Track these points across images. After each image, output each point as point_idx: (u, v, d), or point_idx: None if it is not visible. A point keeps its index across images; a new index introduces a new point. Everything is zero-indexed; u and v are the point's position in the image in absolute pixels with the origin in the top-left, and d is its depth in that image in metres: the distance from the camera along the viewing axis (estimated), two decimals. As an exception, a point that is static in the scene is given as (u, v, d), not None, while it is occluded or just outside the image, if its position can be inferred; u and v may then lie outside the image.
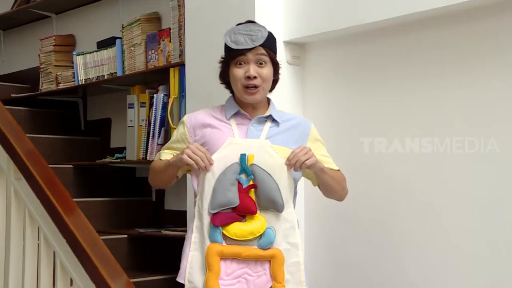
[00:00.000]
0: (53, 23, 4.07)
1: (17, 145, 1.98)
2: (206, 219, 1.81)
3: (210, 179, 1.82)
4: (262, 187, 1.80)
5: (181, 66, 2.83)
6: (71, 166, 3.36)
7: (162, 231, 2.95)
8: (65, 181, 2.91)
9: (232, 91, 1.94)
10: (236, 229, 1.79)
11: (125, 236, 3.03)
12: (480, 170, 2.11)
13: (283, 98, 2.48)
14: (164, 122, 2.95)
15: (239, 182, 1.80)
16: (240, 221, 1.80)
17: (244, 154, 1.81)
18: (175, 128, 2.84)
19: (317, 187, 2.00)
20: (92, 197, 3.22)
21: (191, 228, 1.88)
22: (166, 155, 1.96)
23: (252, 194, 1.81)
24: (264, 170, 1.81)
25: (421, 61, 2.28)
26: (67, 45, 3.83)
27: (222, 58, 1.92)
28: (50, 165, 2.01)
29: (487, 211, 2.10)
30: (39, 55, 3.83)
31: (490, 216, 2.09)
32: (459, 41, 2.18)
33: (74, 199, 1.93)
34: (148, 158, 2.99)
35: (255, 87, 1.85)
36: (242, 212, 1.80)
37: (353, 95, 2.46)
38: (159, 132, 2.96)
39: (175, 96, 2.86)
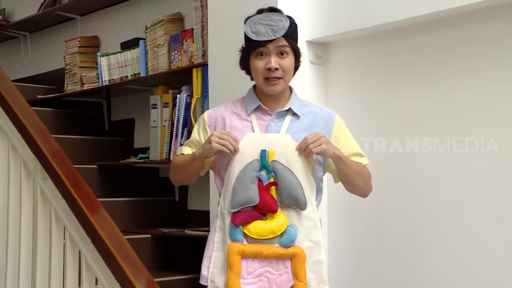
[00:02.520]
0: (78, 25, 4.12)
1: (43, 145, 2.01)
2: (227, 219, 1.80)
3: (230, 178, 1.81)
4: (284, 184, 1.78)
5: (204, 66, 2.84)
6: (96, 166, 3.40)
7: (185, 231, 2.96)
8: (90, 181, 2.93)
9: (253, 78, 1.91)
10: (257, 227, 1.77)
11: (149, 236, 3.05)
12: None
13: (306, 98, 2.46)
14: (187, 122, 2.96)
15: (259, 179, 1.78)
16: (261, 219, 1.78)
17: (265, 151, 1.78)
18: (197, 128, 2.87)
19: (339, 183, 1.95)
20: (116, 197, 3.25)
21: (214, 229, 1.87)
22: (187, 150, 1.93)
23: (272, 191, 1.78)
24: (286, 167, 1.78)
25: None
26: (92, 46, 3.87)
27: (242, 46, 1.88)
28: (75, 165, 2.03)
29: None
30: (64, 56, 3.89)
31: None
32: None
33: (99, 199, 1.95)
34: (171, 158, 3.00)
35: (277, 78, 1.82)
36: (263, 211, 1.78)
37: (374, 94, 2.45)
38: (182, 132, 2.97)
39: (198, 96, 2.87)
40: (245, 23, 1.86)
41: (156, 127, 3.12)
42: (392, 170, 2.34)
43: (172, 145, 3.01)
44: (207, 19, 2.79)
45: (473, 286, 2.12)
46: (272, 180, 1.78)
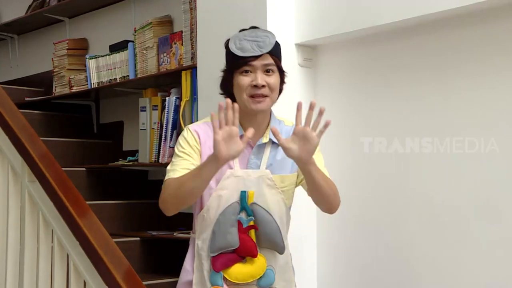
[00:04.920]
0: (66, 27, 4.10)
1: (31, 148, 2.00)
2: (206, 262, 1.76)
3: (210, 220, 1.75)
4: (263, 228, 1.75)
5: (193, 69, 2.84)
6: (84, 169, 3.38)
7: (174, 234, 2.96)
8: (78, 184, 2.92)
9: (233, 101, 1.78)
10: (237, 272, 1.74)
11: (138, 238, 3.04)
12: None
13: (294, 100, 2.46)
14: (176, 124, 2.96)
15: (239, 222, 1.74)
16: (241, 262, 1.75)
17: (245, 192, 1.73)
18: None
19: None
20: (105, 199, 3.23)
21: (191, 264, 1.81)
22: (182, 171, 1.72)
23: (252, 234, 1.76)
24: (265, 210, 1.75)
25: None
26: (80, 48, 3.86)
27: (225, 67, 1.79)
28: (63, 168, 2.02)
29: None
30: (52, 59, 3.86)
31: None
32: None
33: (87, 202, 1.94)
34: (160, 160, 2.99)
35: (263, 96, 1.73)
36: (243, 254, 1.75)
37: (363, 97, 2.46)
38: (171, 135, 2.97)
39: (187, 99, 2.87)
40: (226, 45, 1.78)
41: (145, 129, 3.11)
42: (391, 170, 2.34)
43: (161, 147, 3.00)
44: (196, 21, 2.79)
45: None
46: (251, 223, 1.75)
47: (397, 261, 2.32)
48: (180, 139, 1.80)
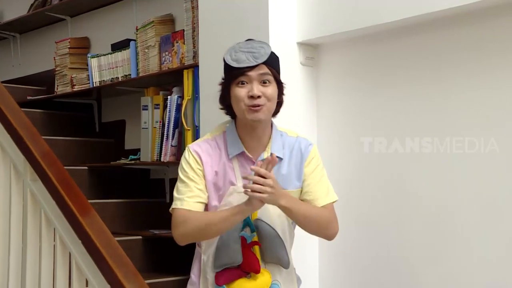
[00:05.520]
0: (68, 26, 4.11)
1: (33, 147, 2.00)
2: (210, 276, 1.77)
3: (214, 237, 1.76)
4: (267, 244, 1.76)
5: (194, 67, 2.84)
6: (86, 167, 3.39)
7: (176, 232, 2.96)
8: (80, 183, 2.93)
9: (232, 117, 1.82)
10: (241, 287, 1.75)
11: (140, 237, 3.04)
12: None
13: (296, 99, 2.48)
14: (178, 123, 2.96)
15: (243, 238, 1.75)
16: (245, 277, 1.76)
17: None
18: (189, 130, 2.87)
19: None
20: (106, 198, 3.24)
21: (197, 276, 1.82)
22: (192, 203, 1.75)
23: (256, 250, 1.76)
24: (269, 225, 1.75)
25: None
26: (82, 47, 3.86)
27: (222, 79, 1.80)
28: (65, 167, 2.03)
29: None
30: (54, 57, 3.87)
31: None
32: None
33: (89, 201, 1.94)
34: (162, 159, 3.00)
35: (259, 105, 1.72)
36: (246, 270, 1.76)
37: (364, 96, 2.46)
38: (173, 134, 2.97)
39: (189, 97, 2.87)
40: (225, 53, 1.78)
41: (147, 128, 3.12)
42: (391, 170, 2.34)
43: (163, 146, 3.00)
44: (198, 20, 2.79)
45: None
46: (255, 239, 1.76)
47: (398, 261, 2.32)
48: (183, 161, 1.82)
